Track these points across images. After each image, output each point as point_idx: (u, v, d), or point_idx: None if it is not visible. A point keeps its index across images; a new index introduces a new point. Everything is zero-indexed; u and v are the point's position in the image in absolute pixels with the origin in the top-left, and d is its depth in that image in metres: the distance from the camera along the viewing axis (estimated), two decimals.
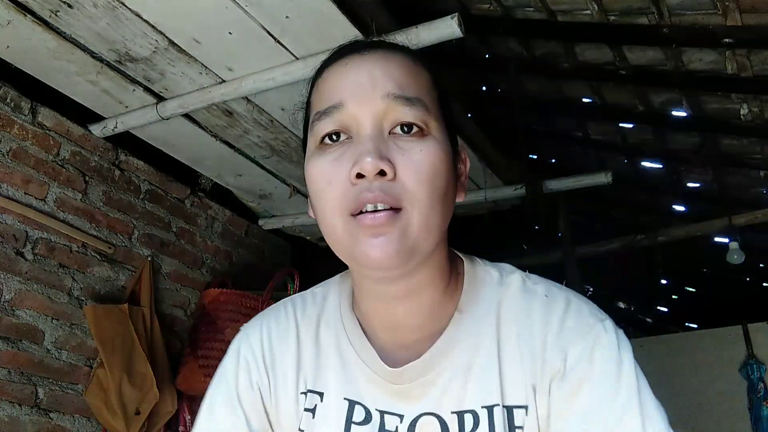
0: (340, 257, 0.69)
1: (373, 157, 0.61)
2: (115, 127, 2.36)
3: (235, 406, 0.75)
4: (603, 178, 2.75)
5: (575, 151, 3.65)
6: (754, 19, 2.09)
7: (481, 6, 2.46)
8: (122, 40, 1.90)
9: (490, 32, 2.70)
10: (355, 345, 0.74)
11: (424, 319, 0.72)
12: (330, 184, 0.65)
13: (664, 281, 4.91)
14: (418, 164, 0.63)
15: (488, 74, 3.16)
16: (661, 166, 3.45)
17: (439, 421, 0.68)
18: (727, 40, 2.19)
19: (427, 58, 0.74)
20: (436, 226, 0.65)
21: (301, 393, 0.75)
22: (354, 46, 0.71)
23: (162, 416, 2.41)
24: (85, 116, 2.36)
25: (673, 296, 5.64)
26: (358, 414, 0.71)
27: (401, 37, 1.38)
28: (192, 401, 2.53)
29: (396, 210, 0.62)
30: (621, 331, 0.68)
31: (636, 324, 6.43)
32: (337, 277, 0.83)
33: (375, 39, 0.77)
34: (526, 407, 0.67)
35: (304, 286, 0.89)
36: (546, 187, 2.84)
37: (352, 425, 0.71)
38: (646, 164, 3.50)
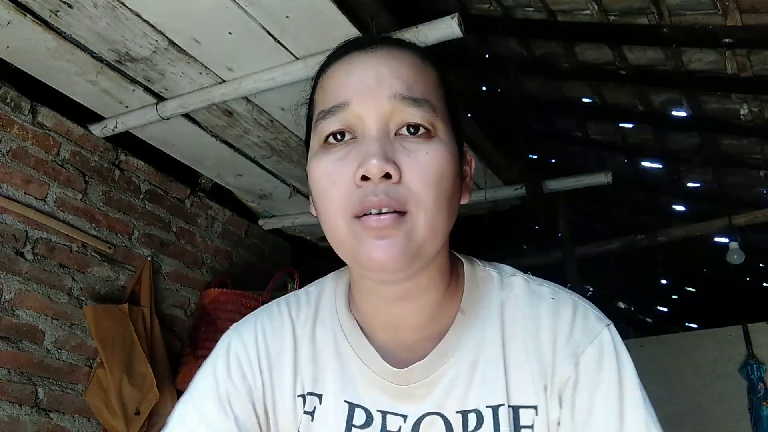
0: (342, 258, 0.68)
1: (378, 160, 0.60)
2: (115, 127, 2.36)
3: (225, 405, 0.72)
4: (603, 178, 2.76)
5: (575, 151, 3.65)
6: (754, 19, 2.09)
7: (481, 6, 2.46)
8: (122, 40, 1.90)
9: (490, 32, 2.70)
10: (353, 345, 0.73)
11: (425, 319, 0.71)
12: (334, 185, 0.63)
13: (664, 281, 4.90)
14: (425, 166, 0.62)
15: (488, 74, 3.15)
16: (661, 166, 3.45)
17: (444, 420, 0.68)
18: (727, 40, 2.18)
19: (434, 56, 0.72)
20: (442, 229, 0.65)
21: (299, 396, 0.73)
22: (360, 43, 0.69)
23: (162, 416, 2.40)
24: (85, 116, 2.36)
25: (673, 296, 5.64)
26: (359, 417, 0.70)
27: (403, 36, 1.37)
28: None
29: (401, 213, 0.61)
30: (618, 333, 0.70)
31: (636, 324, 6.43)
32: (330, 276, 0.82)
33: (382, 35, 0.76)
34: (535, 407, 0.67)
35: (304, 286, 0.88)
36: (546, 187, 2.84)
37: (353, 428, 0.70)
38: (646, 164, 3.50)
